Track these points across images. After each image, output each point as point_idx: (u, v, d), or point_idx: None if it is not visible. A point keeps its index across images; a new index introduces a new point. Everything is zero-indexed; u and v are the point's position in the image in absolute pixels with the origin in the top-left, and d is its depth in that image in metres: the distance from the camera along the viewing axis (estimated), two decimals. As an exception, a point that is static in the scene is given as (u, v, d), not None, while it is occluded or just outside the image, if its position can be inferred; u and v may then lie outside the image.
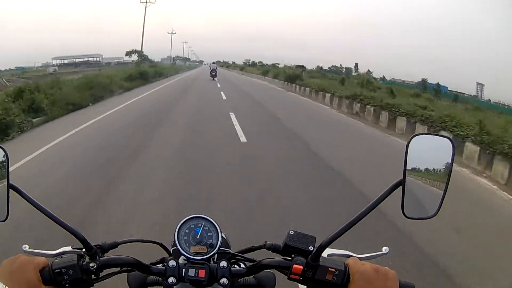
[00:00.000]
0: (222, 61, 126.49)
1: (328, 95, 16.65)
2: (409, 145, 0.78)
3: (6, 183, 0.81)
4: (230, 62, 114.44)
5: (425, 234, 3.54)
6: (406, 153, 0.78)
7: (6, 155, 0.83)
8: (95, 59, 61.12)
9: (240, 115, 10.89)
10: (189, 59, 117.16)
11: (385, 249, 0.84)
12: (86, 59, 59.74)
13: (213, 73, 31.57)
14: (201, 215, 0.85)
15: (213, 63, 39.70)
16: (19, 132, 8.19)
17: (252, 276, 0.89)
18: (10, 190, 0.80)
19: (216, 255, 0.82)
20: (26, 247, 0.83)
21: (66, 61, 57.53)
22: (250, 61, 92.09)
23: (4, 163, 0.83)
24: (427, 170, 0.80)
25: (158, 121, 9.70)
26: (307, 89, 20.48)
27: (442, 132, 7.68)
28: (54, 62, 54.09)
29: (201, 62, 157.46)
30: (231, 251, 0.88)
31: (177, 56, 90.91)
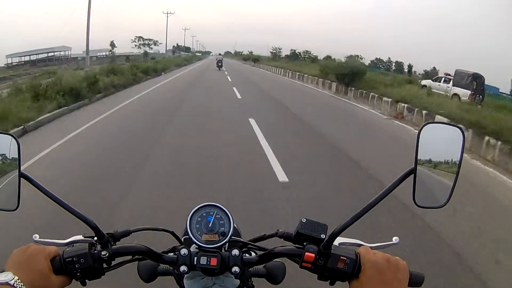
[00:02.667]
0: (238, 52, 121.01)
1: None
2: (421, 134, 0.78)
3: (17, 172, 0.81)
4: (247, 53, 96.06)
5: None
6: (418, 142, 0.78)
7: (17, 144, 0.83)
8: (61, 53, 49.40)
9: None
10: (190, 48, 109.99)
11: (395, 239, 0.84)
12: (50, 54, 47.85)
13: (219, 64, 36.00)
14: (213, 203, 0.85)
15: (219, 54, 47.32)
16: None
17: (262, 265, 0.89)
18: (22, 179, 0.80)
19: (227, 243, 0.82)
20: (36, 236, 0.83)
21: (26, 58, 45.30)
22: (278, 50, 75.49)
23: (15, 152, 0.83)
24: (437, 159, 0.80)
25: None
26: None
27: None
28: (9, 60, 42.25)
29: (207, 52, 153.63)
30: (242, 240, 0.88)
31: (177, 45, 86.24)
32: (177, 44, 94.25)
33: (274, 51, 59.94)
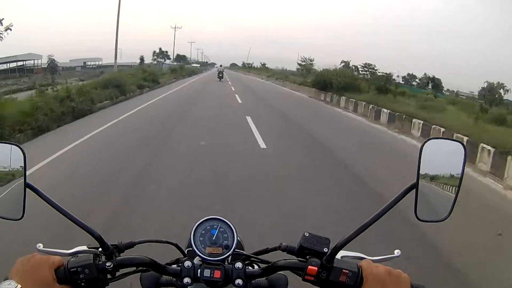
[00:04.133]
0: (242, 63, 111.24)
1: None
2: (423, 149, 0.80)
3: (23, 182, 0.82)
4: (256, 65, 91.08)
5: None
6: (420, 157, 0.79)
7: (23, 154, 0.83)
8: (33, 61, 40.14)
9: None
10: (185, 56, 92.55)
11: (397, 252, 0.85)
12: (15, 63, 38.09)
13: (220, 75, 36.05)
14: (217, 217, 0.86)
15: (220, 65, 44.80)
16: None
17: (265, 278, 0.89)
18: (27, 189, 0.81)
19: (231, 256, 0.83)
20: (40, 246, 0.84)
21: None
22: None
23: (21, 163, 0.84)
24: (439, 173, 0.81)
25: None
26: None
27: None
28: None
29: (212, 64, 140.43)
30: (245, 253, 0.88)
31: (160, 51, 72.77)
32: (177, 55, 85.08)
33: (304, 63, 38.66)
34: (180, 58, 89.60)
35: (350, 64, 40.72)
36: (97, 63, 53.40)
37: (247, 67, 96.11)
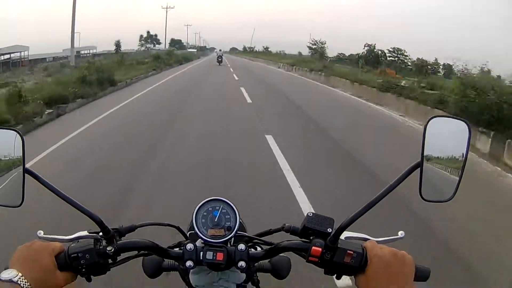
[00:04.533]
0: (244, 47, 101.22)
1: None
2: (427, 128, 0.78)
3: (22, 167, 0.81)
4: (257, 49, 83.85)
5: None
6: (424, 136, 0.78)
7: (22, 139, 0.82)
8: (17, 54, 35.86)
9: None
10: (180, 41, 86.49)
11: (401, 233, 0.84)
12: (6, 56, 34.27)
13: (219, 59, 36.24)
14: (219, 198, 0.85)
15: (220, 50, 43.88)
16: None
17: (268, 260, 0.89)
18: (26, 175, 0.80)
19: (233, 238, 0.82)
20: (41, 232, 0.83)
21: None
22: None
23: (20, 148, 0.83)
24: (444, 152, 0.80)
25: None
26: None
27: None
28: None
29: (212, 48, 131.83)
30: (248, 234, 0.87)
31: (148, 35, 67.43)
32: (171, 39, 79.38)
33: (314, 46, 32.92)
34: (175, 42, 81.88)
35: (376, 49, 35.11)
36: (91, 51, 48.90)
37: (249, 51, 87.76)
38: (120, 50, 43.76)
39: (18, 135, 0.83)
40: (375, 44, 36.19)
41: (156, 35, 73.77)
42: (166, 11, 60.69)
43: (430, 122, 0.79)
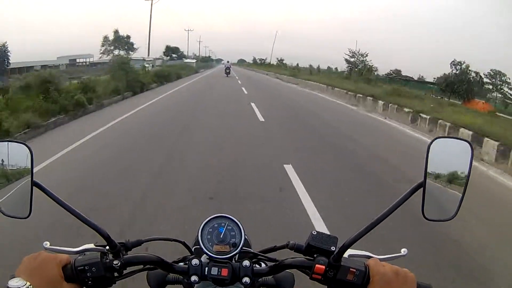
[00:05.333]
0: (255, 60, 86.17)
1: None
2: (430, 148, 0.80)
3: (30, 180, 0.82)
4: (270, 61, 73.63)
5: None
6: (427, 155, 0.79)
7: (30, 152, 0.83)
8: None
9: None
10: (178, 48, 70.90)
11: (403, 251, 0.85)
12: None
13: (227, 71, 35.70)
14: (224, 215, 0.86)
15: (227, 62, 42.31)
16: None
17: (271, 276, 0.89)
18: (34, 187, 0.81)
19: (238, 254, 0.83)
20: (47, 244, 0.84)
21: None
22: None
23: (28, 160, 0.84)
24: (446, 172, 0.81)
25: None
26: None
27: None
28: None
29: (219, 60, 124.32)
30: (253, 251, 0.88)
31: (117, 37, 47.68)
32: (166, 46, 66.61)
33: (352, 58, 26.84)
34: (171, 50, 66.89)
35: (469, 69, 23.88)
36: (88, 59, 45.01)
37: (261, 64, 74.35)
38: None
39: (26, 147, 0.84)
40: (468, 65, 24.78)
41: (128, 37, 50.77)
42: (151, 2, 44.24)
43: (433, 142, 0.80)
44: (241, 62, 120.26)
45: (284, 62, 66.27)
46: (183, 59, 57.37)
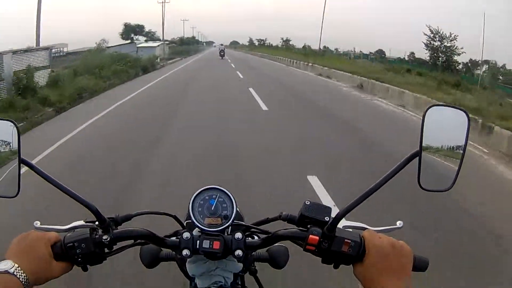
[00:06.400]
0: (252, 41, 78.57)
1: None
2: (425, 117, 0.78)
3: (17, 158, 0.80)
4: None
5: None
6: (423, 125, 0.77)
7: (17, 129, 0.82)
8: None
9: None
10: (143, 26, 54.35)
11: (399, 223, 0.84)
12: None
13: (222, 53, 35.68)
14: (216, 186, 0.84)
15: (221, 44, 42.03)
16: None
17: (266, 250, 0.88)
18: (22, 165, 0.79)
19: (230, 227, 0.82)
20: (37, 223, 0.83)
21: None
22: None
23: (15, 138, 0.82)
24: (442, 141, 0.79)
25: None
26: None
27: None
28: None
29: (209, 43, 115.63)
30: (245, 223, 0.87)
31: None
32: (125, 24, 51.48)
33: (435, 42, 21.67)
34: (131, 30, 52.31)
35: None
36: (62, 49, 36.84)
37: (260, 46, 63.74)
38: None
39: (13, 125, 0.83)
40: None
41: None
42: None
43: (428, 111, 0.78)
44: (234, 44, 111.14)
45: (291, 43, 56.08)
46: (139, 45, 33.73)
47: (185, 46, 54.54)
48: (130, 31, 52.93)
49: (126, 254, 0.84)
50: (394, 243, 0.73)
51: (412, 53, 36.14)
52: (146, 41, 39.80)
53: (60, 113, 9.07)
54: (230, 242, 0.78)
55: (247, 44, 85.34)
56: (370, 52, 43.25)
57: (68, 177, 4.13)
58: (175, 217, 0.91)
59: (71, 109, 9.65)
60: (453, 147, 0.79)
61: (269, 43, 67.90)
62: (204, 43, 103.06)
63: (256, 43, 74.40)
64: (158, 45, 35.66)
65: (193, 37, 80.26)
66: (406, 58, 35.49)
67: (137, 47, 25.79)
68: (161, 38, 44.69)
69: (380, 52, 45.68)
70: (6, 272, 0.67)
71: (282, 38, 61.05)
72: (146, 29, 56.44)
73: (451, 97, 9.69)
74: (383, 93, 12.00)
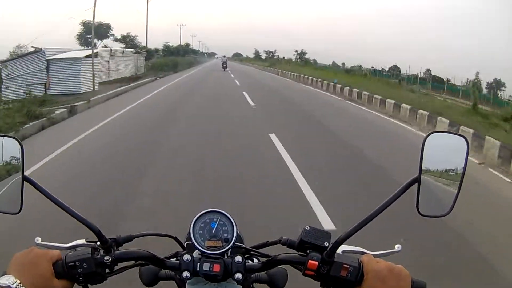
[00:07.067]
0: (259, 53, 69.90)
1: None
2: (425, 143, 0.79)
3: (20, 175, 0.81)
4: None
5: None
6: (422, 150, 0.78)
7: (21, 147, 0.83)
8: None
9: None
10: (109, 25, 36.73)
11: (397, 247, 0.84)
12: None
13: (224, 65, 33.60)
14: (217, 210, 0.85)
15: (224, 56, 39.30)
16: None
17: (265, 272, 0.89)
18: (25, 182, 0.80)
19: (230, 249, 0.82)
20: (38, 239, 0.83)
21: None
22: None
23: (19, 156, 0.83)
24: (442, 167, 0.80)
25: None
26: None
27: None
28: None
29: (211, 54, 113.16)
30: (245, 246, 0.88)
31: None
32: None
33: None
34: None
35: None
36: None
37: (267, 60, 54.56)
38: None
39: (17, 142, 0.84)
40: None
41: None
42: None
43: (428, 137, 0.79)
44: (237, 56, 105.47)
45: (306, 56, 48.72)
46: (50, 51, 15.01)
47: (172, 58, 36.02)
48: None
49: (126, 272, 0.84)
50: (392, 267, 0.73)
51: (428, 70, 34.56)
52: (110, 48, 21.60)
53: None
54: (230, 265, 0.79)
55: (252, 56, 77.43)
56: (383, 69, 40.09)
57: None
58: (175, 239, 0.91)
59: None
60: (452, 171, 0.80)
61: (278, 55, 59.66)
62: (206, 54, 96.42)
63: (264, 56, 65.46)
64: (99, 54, 17.43)
65: (187, 45, 58.63)
66: (422, 75, 33.43)
67: (47, 59, 13.60)
68: (143, 44, 35.71)
69: (395, 69, 42.41)
70: (9, 287, 0.67)
71: (296, 50, 53.41)
72: (117, 31, 43.50)
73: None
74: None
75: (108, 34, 39.13)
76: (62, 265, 0.75)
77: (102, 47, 26.83)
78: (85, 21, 35.01)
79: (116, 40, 39.56)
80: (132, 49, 26.05)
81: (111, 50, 20.11)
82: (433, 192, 0.79)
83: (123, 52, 22.30)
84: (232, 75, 27.84)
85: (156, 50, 41.31)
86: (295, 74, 27.28)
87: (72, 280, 0.76)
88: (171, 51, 44.67)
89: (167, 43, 47.04)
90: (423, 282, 0.78)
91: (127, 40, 39.66)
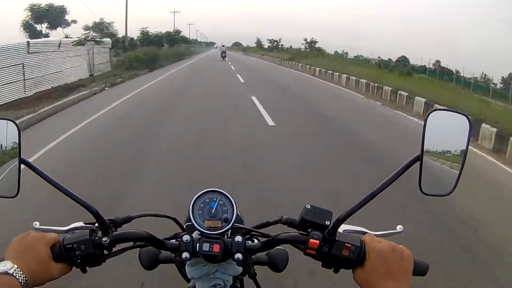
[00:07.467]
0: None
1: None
2: (427, 121, 0.78)
3: (18, 158, 0.80)
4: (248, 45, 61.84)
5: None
6: (424, 129, 0.77)
7: (18, 129, 0.82)
8: None
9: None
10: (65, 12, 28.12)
11: (399, 228, 0.84)
12: None
13: (223, 55, 35.08)
14: (216, 189, 0.84)
15: (222, 45, 39.81)
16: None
17: (265, 253, 0.88)
18: (22, 165, 0.79)
19: (230, 230, 0.81)
20: (36, 224, 0.82)
21: None
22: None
23: (16, 138, 0.82)
24: (444, 146, 0.79)
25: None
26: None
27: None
28: None
29: (210, 44, 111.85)
30: (245, 226, 0.87)
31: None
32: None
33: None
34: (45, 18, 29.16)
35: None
36: None
37: (271, 49, 51.34)
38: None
39: (13, 124, 0.82)
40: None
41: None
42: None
43: (430, 115, 0.78)
44: (237, 46, 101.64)
45: (317, 46, 43.36)
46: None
47: (153, 48, 27.61)
48: (43, 18, 30.28)
49: (124, 255, 0.83)
50: (394, 247, 0.73)
51: (438, 61, 32.51)
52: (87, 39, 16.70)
53: None
54: (230, 245, 0.78)
55: (253, 46, 70.03)
56: (389, 59, 37.58)
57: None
58: (175, 220, 0.90)
59: None
60: (454, 151, 0.79)
61: (282, 45, 53.48)
62: (204, 44, 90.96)
63: (267, 45, 58.43)
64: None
65: (177, 32, 44.55)
66: (431, 67, 31.47)
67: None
68: (120, 33, 30.16)
69: (403, 59, 39.72)
70: (6, 273, 0.66)
71: (305, 39, 47.34)
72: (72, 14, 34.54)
73: None
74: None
75: (68, 20, 31.36)
76: (60, 248, 0.74)
77: (64, 37, 19.23)
78: (33, 5, 28.67)
79: (87, 28, 31.72)
80: (75, 39, 16.04)
81: (28, 43, 11.34)
82: (435, 171, 0.78)
83: (59, 45, 13.58)
84: (241, 79, 16.87)
85: (131, 39, 31.92)
86: (305, 65, 21.77)
87: (70, 263, 0.75)
88: (151, 40, 33.17)
89: (145, 28, 33.86)
90: (426, 263, 0.77)
91: (101, 28, 33.51)
